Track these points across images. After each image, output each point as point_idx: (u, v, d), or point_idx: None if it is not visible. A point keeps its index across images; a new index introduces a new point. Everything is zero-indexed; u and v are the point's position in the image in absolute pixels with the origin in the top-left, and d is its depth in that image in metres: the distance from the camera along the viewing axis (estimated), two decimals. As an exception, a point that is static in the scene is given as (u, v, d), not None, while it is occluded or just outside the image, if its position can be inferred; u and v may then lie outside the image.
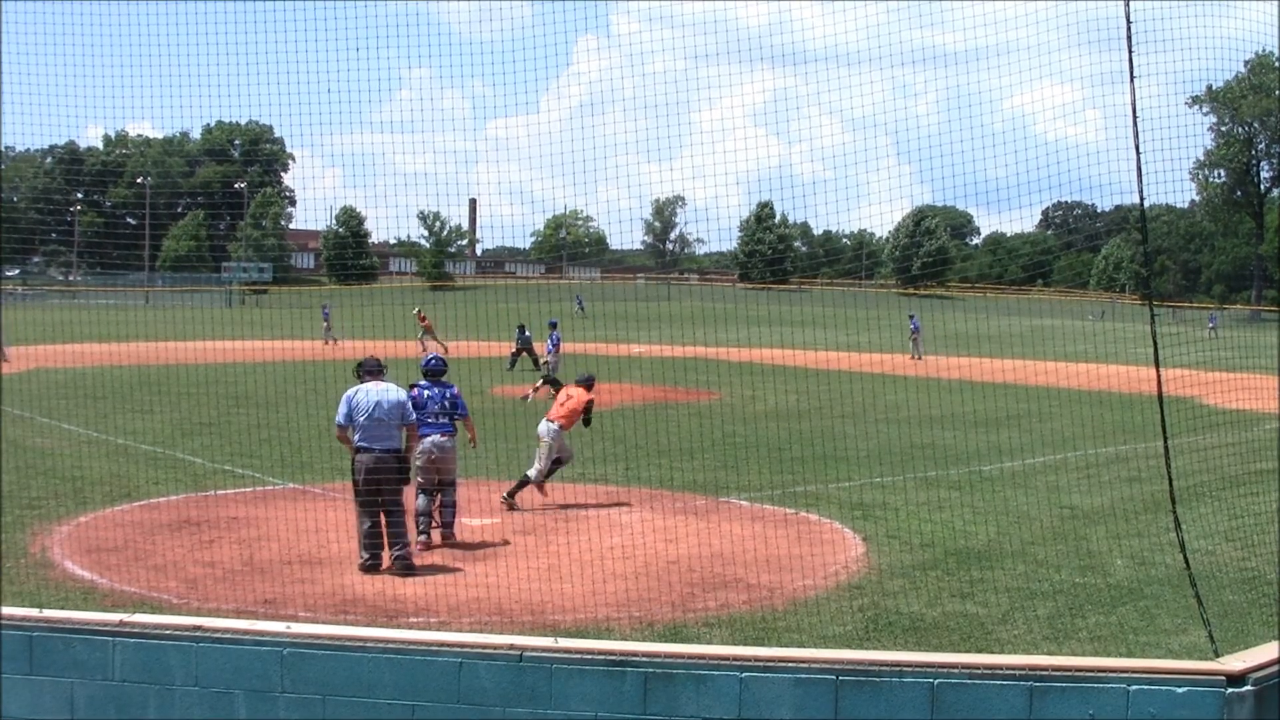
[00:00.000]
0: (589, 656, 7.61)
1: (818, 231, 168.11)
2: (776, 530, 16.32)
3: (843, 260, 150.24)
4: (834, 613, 12.34)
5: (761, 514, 17.69)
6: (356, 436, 14.64)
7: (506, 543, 15.70)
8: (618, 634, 11.43)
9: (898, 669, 7.53)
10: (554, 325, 38.98)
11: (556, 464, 18.80)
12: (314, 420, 23.97)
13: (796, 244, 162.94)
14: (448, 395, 16.12)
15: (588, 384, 19.65)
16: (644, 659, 7.52)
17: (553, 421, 18.76)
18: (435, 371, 16.35)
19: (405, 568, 14.19)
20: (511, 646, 7.72)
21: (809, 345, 37.99)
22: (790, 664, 7.46)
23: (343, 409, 14.63)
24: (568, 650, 7.67)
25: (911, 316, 57.72)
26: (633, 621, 12.02)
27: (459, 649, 7.77)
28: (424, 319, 52.26)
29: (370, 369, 15.03)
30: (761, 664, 7.45)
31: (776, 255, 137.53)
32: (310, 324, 57.36)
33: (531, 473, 18.38)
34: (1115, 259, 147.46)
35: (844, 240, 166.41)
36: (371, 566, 14.19)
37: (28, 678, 8.24)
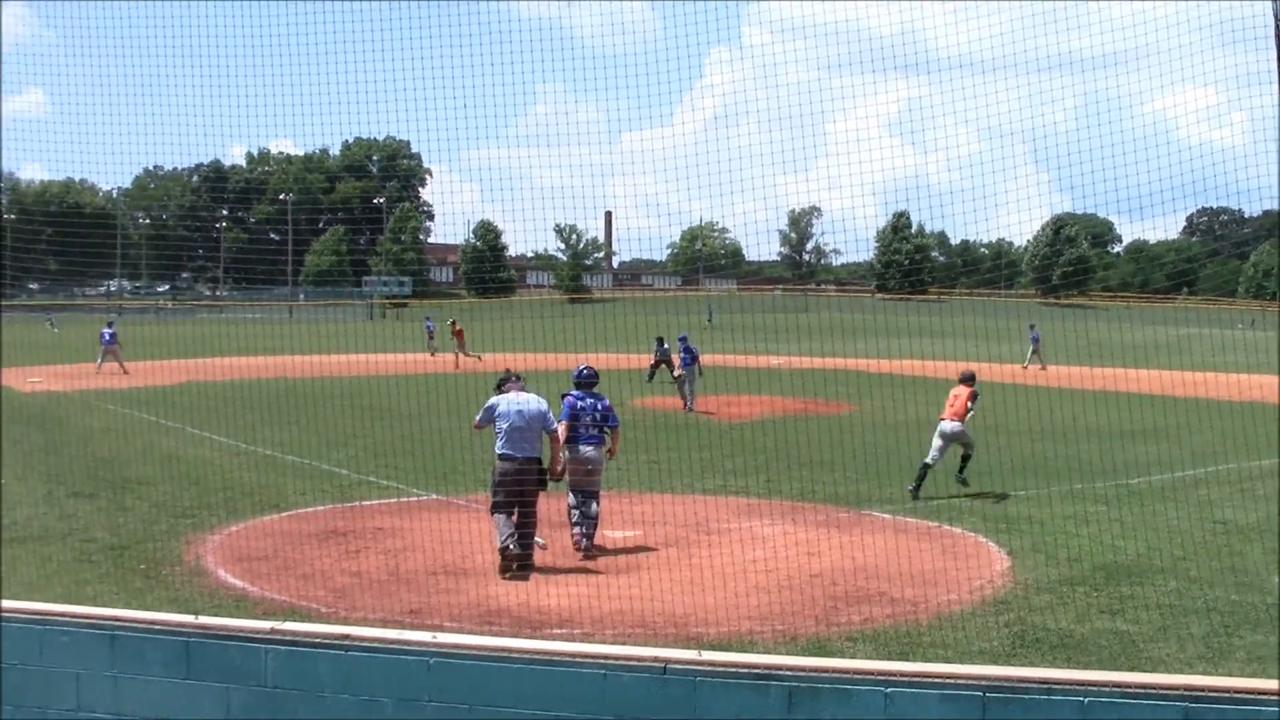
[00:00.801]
0: (733, 669, 7.59)
1: (955, 241, 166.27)
2: (919, 543, 16.18)
3: (981, 269, 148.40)
4: (979, 628, 12.22)
5: (904, 527, 17.56)
6: (498, 444, 14.97)
7: (649, 552, 15.74)
8: (761, 647, 11.42)
9: (1046, 686, 7.41)
10: (683, 339, 39.02)
11: (966, 458, 20.81)
12: (456, 432, 24.23)
13: (934, 254, 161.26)
14: (600, 407, 16.24)
15: (970, 380, 21.23)
16: (788, 672, 7.49)
17: (950, 420, 20.54)
18: (588, 382, 16.43)
19: (524, 567, 14.53)
20: (655, 659, 7.72)
21: (948, 356, 37.64)
22: (936, 679, 7.38)
23: (482, 414, 15.19)
24: (712, 663, 7.65)
25: (1031, 326, 57.07)
26: (776, 635, 12.01)
27: (603, 660, 7.80)
28: (458, 330, 52.82)
29: (510, 380, 15.44)
30: (907, 679, 7.38)
31: (913, 265, 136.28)
32: (450, 337, 57.99)
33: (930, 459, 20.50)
34: (1265, 266, 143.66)
35: (982, 249, 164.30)
36: (507, 568, 14.52)
37: (185, 682, 8.43)
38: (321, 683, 8.21)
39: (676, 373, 36.74)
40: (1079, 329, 63.55)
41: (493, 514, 14.94)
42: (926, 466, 20.31)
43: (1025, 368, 52.25)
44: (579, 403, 16.10)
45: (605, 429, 16.32)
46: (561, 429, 15.57)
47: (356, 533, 16.89)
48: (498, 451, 14.97)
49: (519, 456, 14.91)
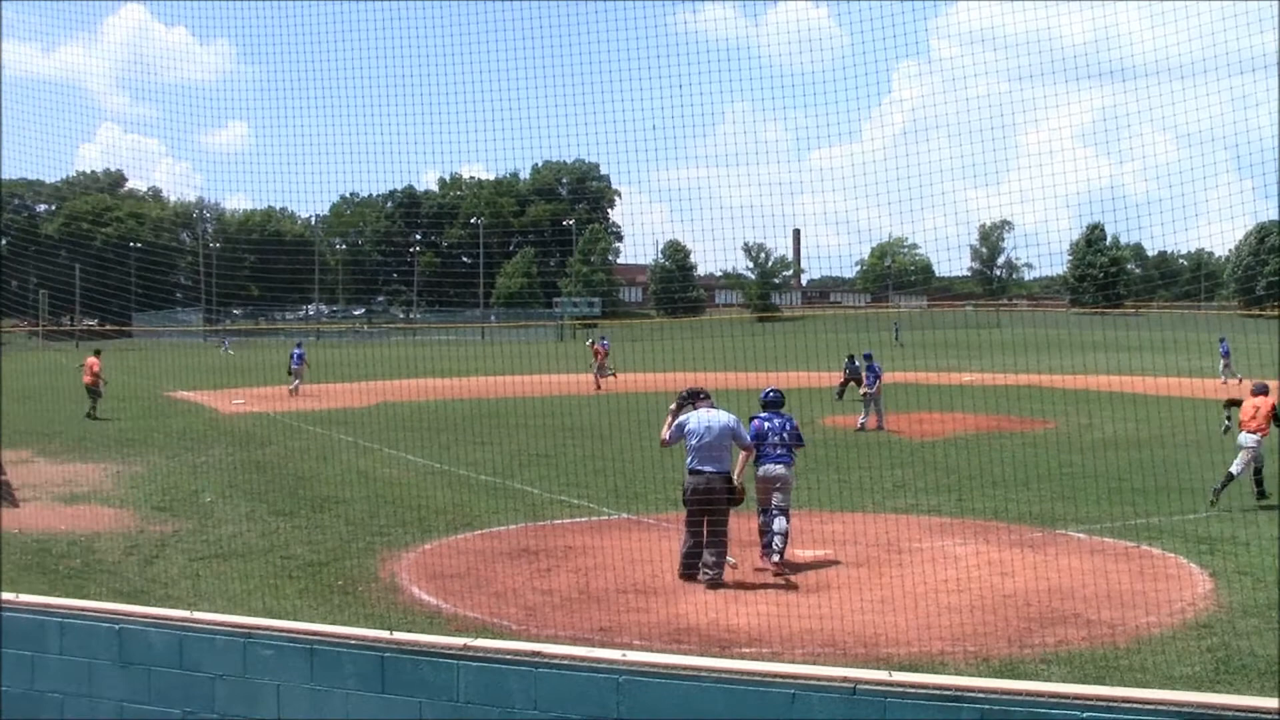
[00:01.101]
0: (924, 691, 7.48)
1: (1152, 253, 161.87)
2: (1116, 564, 15.77)
3: (1180, 282, 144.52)
4: (1180, 652, 11.88)
5: (1100, 547, 17.14)
6: (689, 460, 15.23)
7: (839, 571, 15.61)
8: (952, 668, 11.26)
9: (1254, 715, 7.18)
10: (869, 357, 38.69)
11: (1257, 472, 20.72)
12: (646, 452, 24.31)
13: (1129, 266, 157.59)
14: (787, 427, 16.31)
15: (1264, 391, 21.24)
16: (980, 695, 7.36)
17: (1251, 433, 20.53)
18: (775, 403, 16.54)
19: (713, 582, 14.72)
20: (845, 679, 7.65)
21: (1146, 371, 36.69)
22: (1135, 705, 7.18)
23: (673, 431, 15.49)
24: (902, 684, 7.56)
25: (1221, 339, 55.41)
26: (968, 656, 11.83)
27: (792, 680, 7.75)
28: (600, 352, 51.57)
29: (697, 396, 15.72)
30: (1105, 703, 7.20)
31: (1108, 278, 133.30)
32: (642, 357, 58.20)
33: (1234, 469, 20.42)
34: None
35: (1180, 261, 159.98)
36: (688, 576, 14.95)
37: (380, 695, 8.59)
38: (512, 699, 8.29)
39: (863, 391, 36.38)
40: (1284, 342, 61.41)
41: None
42: (1230, 477, 20.29)
43: (1224, 382, 50.65)
44: (766, 424, 16.16)
45: (794, 447, 16.37)
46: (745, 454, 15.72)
47: (547, 551, 17.05)
48: (687, 466, 15.15)
49: (708, 471, 15.10)
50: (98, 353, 39.79)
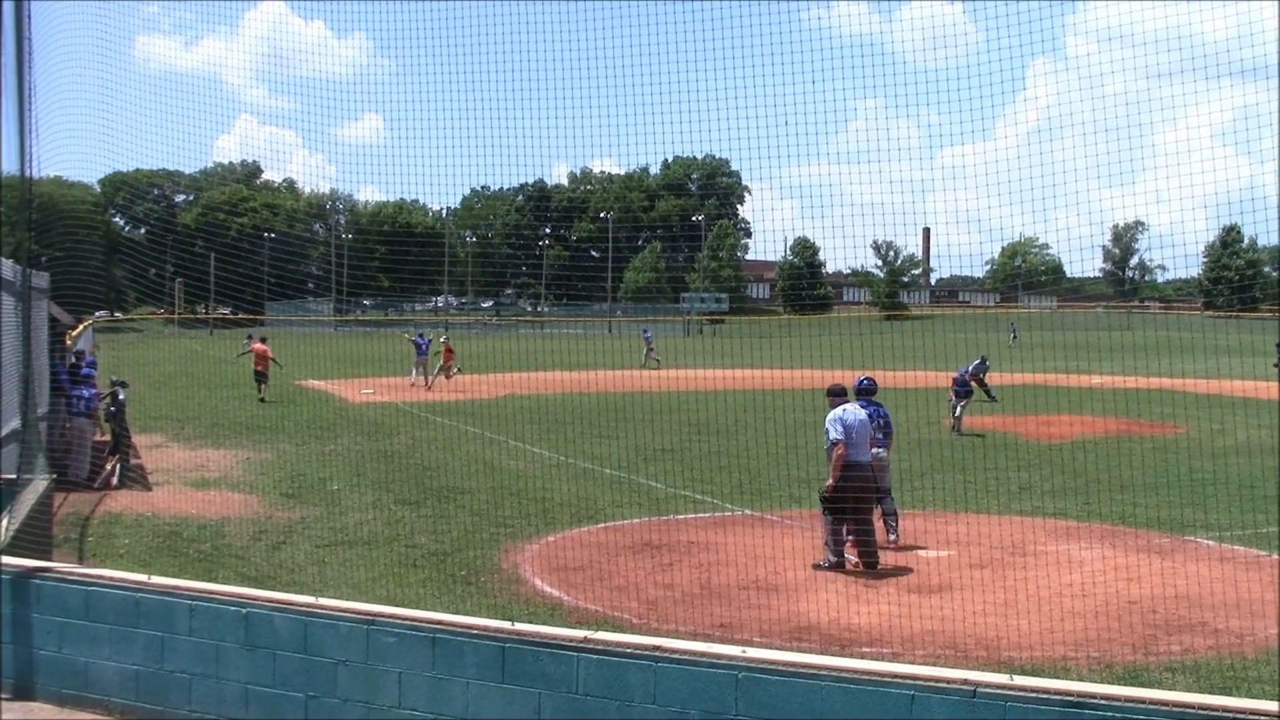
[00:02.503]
0: (1045, 695, 7.41)
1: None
2: (1246, 573, 15.44)
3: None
4: (1309, 663, 11.65)
5: (1230, 555, 16.81)
6: (847, 453, 15.82)
7: (962, 572, 15.50)
8: (1075, 674, 11.13)
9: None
10: (983, 359, 38.24)
11: None
12: (771, 448, 24.27)
13: (1267, 269, 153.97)
14: (882, 413, 17.29)
15: None
16: (1103, 701, 7.29)
17: None
18: (869, 391, 17.50)
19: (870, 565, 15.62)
20: (965, 681, 7.61)
21: (1283, 377, 35.96)
22: (1263, 716, 7.07)
23: (837, 428, 15.88)
24: (1023, 689, 7.50)
25: None
26: (1090, 662, 11.69)
27: (911, 681, 7.72)
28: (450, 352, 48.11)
29: (837, 393, 16.48)
30: (1231, 714, 7.08)
31: (1245, 281, 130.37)
32: (764, 353, 58.14)
33: None
34: None
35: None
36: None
37: (500, 685, 8.69)
38: (631, 692, 8.34)
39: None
40: None
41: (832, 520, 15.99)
42: None
43: None
44: (854, 416, 16.52)
45: (888, 434, 17.39)
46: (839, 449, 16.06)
47: (669, 546, 17.09)
48: (845, 458, 15.84)
49: (862, 460, 15.95)
50: (264, 340, 40.76)
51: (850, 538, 15.79)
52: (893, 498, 17.32)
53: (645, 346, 61.29)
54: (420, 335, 48.45)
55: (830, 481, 15.84)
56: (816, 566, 15.63)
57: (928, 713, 7.60)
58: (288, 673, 9.42)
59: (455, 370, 47.10)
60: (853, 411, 16.13)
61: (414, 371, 46.95)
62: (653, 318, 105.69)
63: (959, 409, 32.18)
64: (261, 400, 37.22)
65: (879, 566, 15.65)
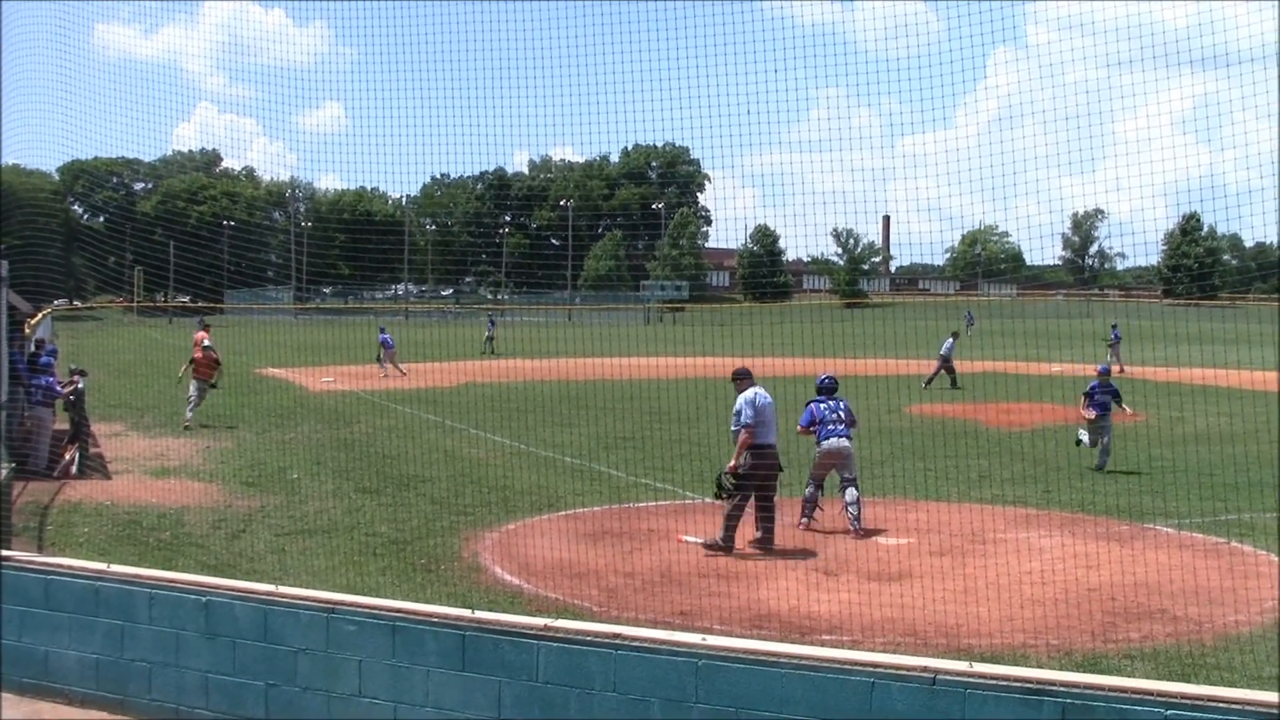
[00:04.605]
0: (1005, 683, 7.43)
1: (1249, 244, 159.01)
2: (1205, 560, 15.50)
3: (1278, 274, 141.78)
4: (1269, 651, 11.69)
5: (1189, 542, 16.88)
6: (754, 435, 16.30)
7: (921, 560, 15.53)
8: (1034, 661, 11.15)
9: (1345, 715, 7.04)
10: (1105, 372, 38.43)
11: None
12: (730, 436, 24.22)
13: (1226, 257, 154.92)
14: (841, 406, 18.10)
15: None
16: (1062, 688, 7.31)
17: None
18: (830, 389, 18.36)
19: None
20: (925, 669, 7.63)
21: (1241, 364, 36.04)
22: (1221, 704, 7.08)
23: (749, 411, 16.29)
24: (983, 675, 7.51)
25: None
26: (1050, 649, 11.73)
27: (871, 669, 7.74)
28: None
29: (743, 375, 16.88)
30: (1189, 701, 7.10)
31: (1204, 270, 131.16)
32: (724, 341, 58.07)
33: None
34: None
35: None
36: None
37: (460, 674, 8.67)
38: (591, 680, 8.34)
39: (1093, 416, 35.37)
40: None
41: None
42: None
43: None
44: (822, 405, 18.03)
45: (850, 424, 18.08)
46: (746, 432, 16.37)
47: (629, 534, 17.09)
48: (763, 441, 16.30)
49: (771, 444, 16.49)
50: (207, 327, 40.13)
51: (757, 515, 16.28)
52: (854, 486, 17.48)
53: (486, 333, 61.48)
54: (383, 330, 48.06)
55: (733, 463, 16.06)
56: (707, 547, 15.95)
57: (887, 700, 7.61)
58: (248, 661, 9.38)
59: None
60: (763, 395, 16.47)
61: (383, 366, 46.46)
62: (613, 305, 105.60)
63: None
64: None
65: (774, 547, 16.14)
